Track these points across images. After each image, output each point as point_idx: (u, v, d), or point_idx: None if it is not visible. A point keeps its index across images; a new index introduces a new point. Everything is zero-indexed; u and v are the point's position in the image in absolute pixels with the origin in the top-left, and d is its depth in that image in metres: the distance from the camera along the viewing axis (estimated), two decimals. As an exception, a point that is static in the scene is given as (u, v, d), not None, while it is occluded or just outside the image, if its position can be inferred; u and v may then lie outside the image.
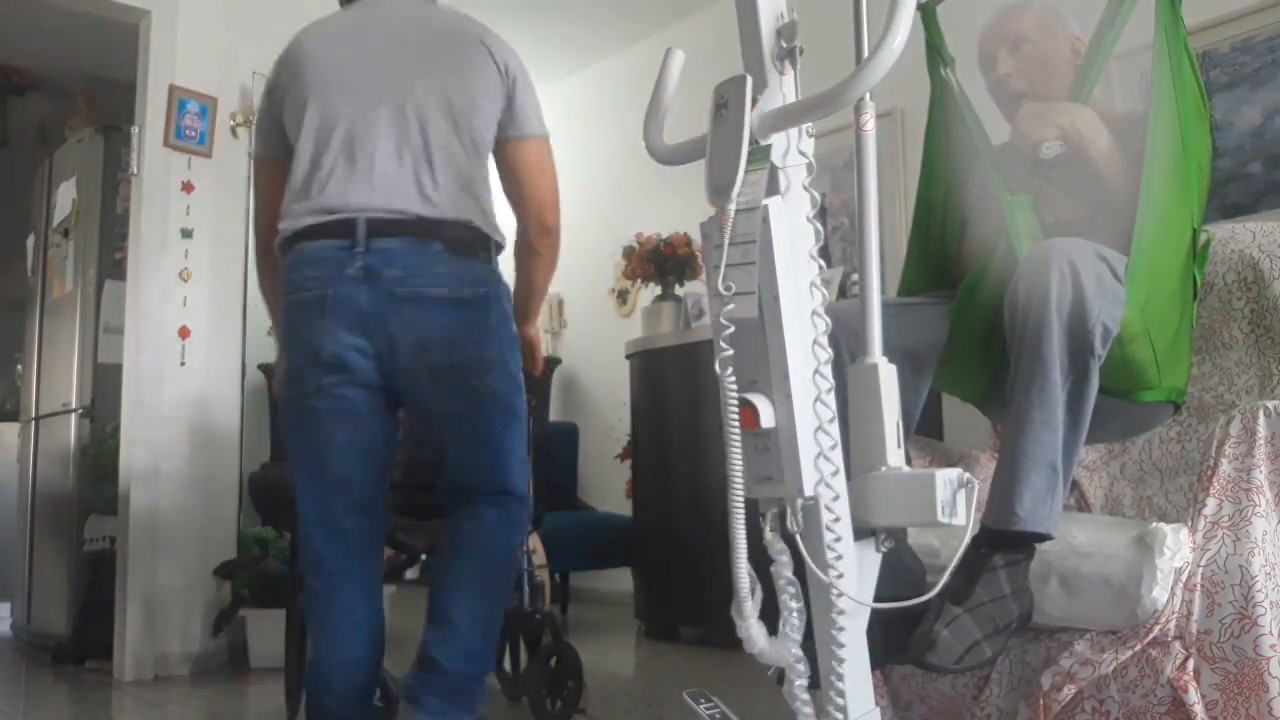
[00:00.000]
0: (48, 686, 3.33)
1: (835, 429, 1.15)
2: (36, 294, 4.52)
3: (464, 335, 1.79)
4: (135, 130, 3.44)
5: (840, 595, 1.16)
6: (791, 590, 1.18)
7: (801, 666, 1.17)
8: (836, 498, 1.15)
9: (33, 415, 4.40)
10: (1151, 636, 1.44)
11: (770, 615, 1.18)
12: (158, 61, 3.46)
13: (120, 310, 3.58)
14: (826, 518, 1.15)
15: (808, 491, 1.13)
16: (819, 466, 1.15)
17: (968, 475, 1.21)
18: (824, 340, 1.16)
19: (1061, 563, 1.51)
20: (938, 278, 1.89)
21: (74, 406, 3.99)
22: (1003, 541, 1.44)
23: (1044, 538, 1.46)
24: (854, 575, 1.20)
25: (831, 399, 1.16)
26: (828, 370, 1.16)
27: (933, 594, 1.26)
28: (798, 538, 1.16)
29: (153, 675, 3.25)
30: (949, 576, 1.26)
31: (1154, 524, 1.48)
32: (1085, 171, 1.73)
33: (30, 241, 4.68)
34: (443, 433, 1.87)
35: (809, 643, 1.18)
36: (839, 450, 1.16)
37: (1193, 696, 1.40)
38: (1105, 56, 1.82)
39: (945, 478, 1.19)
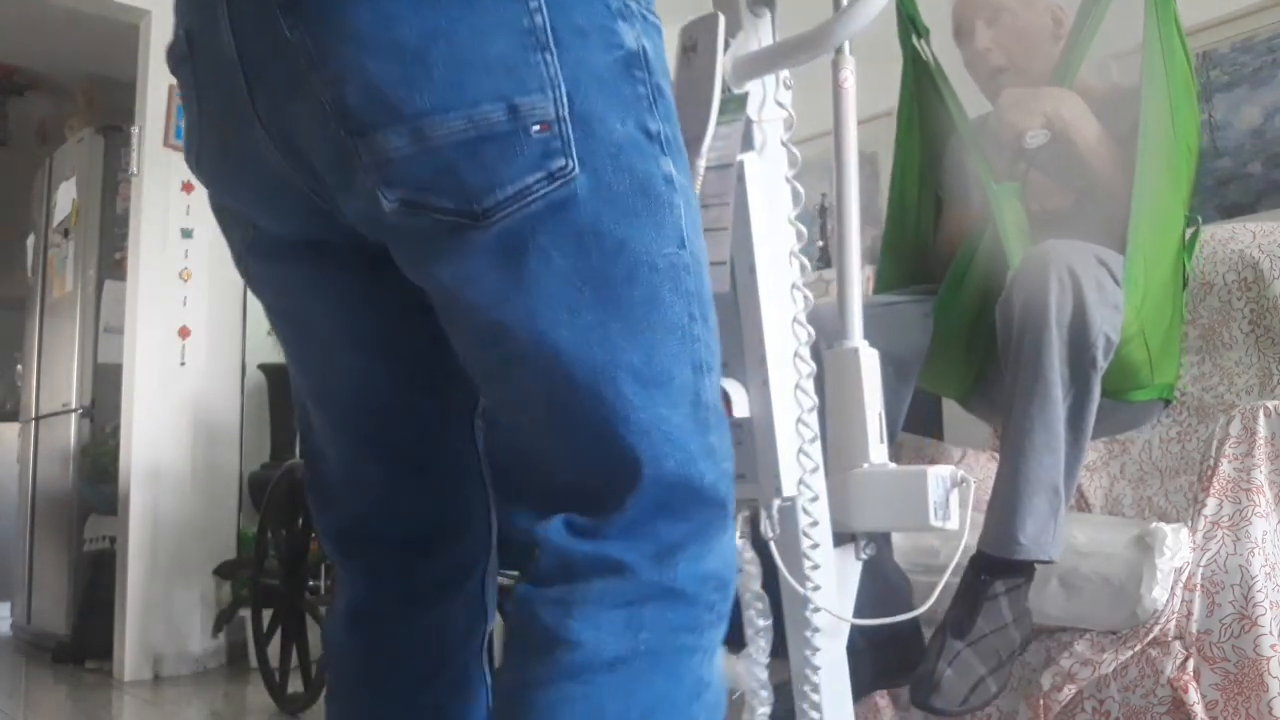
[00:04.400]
0: (48, 686, 3.33)
1: (815, 420, 1.02)
2: (36, 294, 4.52)
3: None
4: (135, 130, 3.44)
5: (818, 610, 1.03)
6: (759, 606, 1.05)
7: (765, 693, 1.05)
8: (815, 498, 1.02)
9: (33, 415, 4.40)
10: (1151, 636, 1.44)
11: (736, 631, 1.04)
12: (158, 61, 3.46)
13: (120, 310, 3.58)
14: (804, 521, 1.01)
15: (787, 491, 0.99)
16: (800, 462, 1.01)
17: (961, 473, 1.10)
18: (804, 318, 1.03)
19: (1061, 563, 1.51)
20: (914, 271, 1.77)
21: (74, 406, 3.99)
22: (1004, 569, 1.39)
23: (1046, 562, 1.41)
24: (833, 587, 1.06)
25: (812, 386, 1.03)
26: (807, 353, 1.02)
27: (921, 609, 1.15)
28: (771, 545, 1.01)
29: (153, 675, 3.25)
30: (950, 608, 1.20)
31: (1154, 524, 1.48)
32: (1071, 159, 1.63)
33: (30, 241, 4.68)
34: None
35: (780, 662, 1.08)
36: (819, 444, 1.03)
37: (1193, 696, 1.40)
38: (1091, 33, 1.69)
39: (938, 475, 1.07)
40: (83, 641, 3.55)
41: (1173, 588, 1.44)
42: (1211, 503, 1.49)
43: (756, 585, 1.05)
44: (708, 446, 0.74)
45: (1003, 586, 1.38)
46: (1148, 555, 1.44)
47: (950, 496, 1.07)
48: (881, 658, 1.29)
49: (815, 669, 1.04)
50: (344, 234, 0.76)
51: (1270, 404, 1.52)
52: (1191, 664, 1.42)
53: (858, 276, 1.15)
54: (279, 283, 0.84)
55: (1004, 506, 1.39)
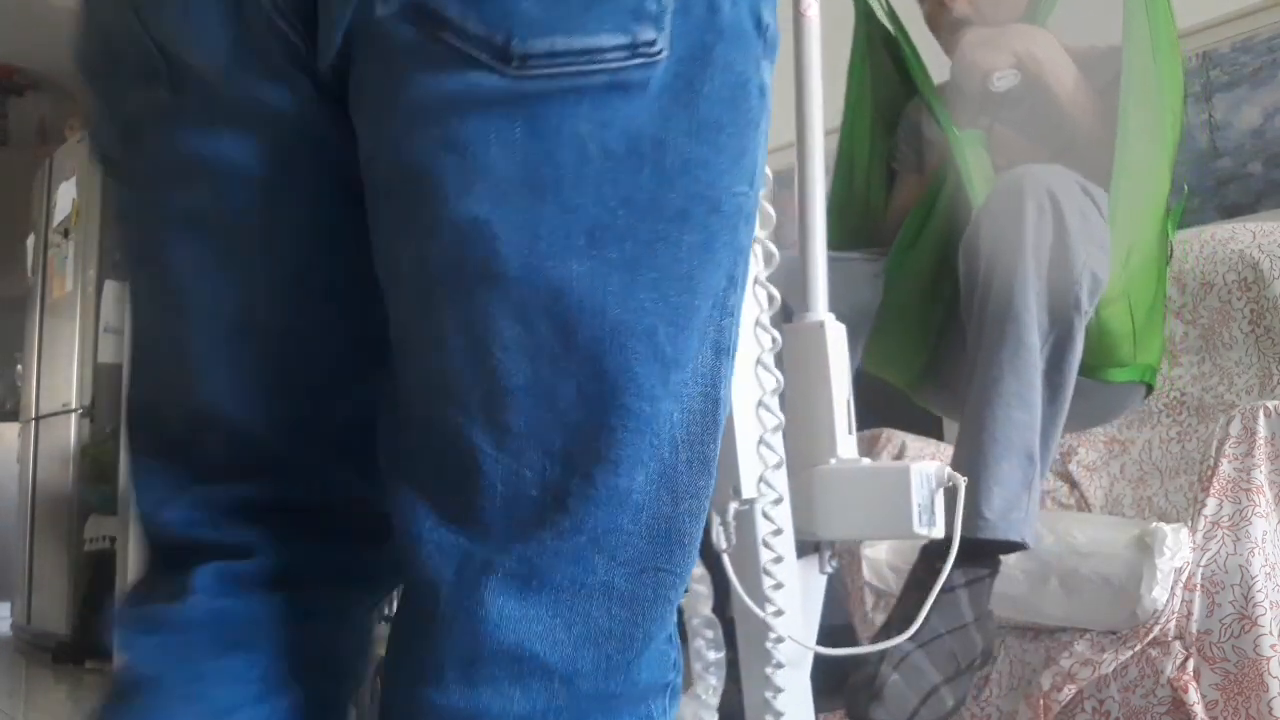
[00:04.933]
0: (48, 686, 3.33)
1: (778, 404, 0.85)
2: (36, 294, 4.52)
3: None
4: (135, 130, 3.44)
5: (781, 640, 0.85)
6: (708, 635, 0.88)
7: None
8: (779, 500, 0.84)
9: (33, 415, 4.40)
10: (1151, 636, 1.44)
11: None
12: (158, 61, 3.46)
13: (120, 310, 3.58)
14: (764, 529, 0.83)
15: (746, 492, 0.82)
16: (761, 456, 0.82)
17: (949, 470, 0.94)
18: (765, 279, 0.86)
19: (1061, 563, 1.51)
20: (863, 238, 1.56)
21: (74, 406, 4.00)
22: (964, 553, 1.08)
23: (1017, 547, 1.17)
24: (797, 609, 0.88)
25: (774, 362, 0.86)
26: (768, 320, 0.85)
27: (910, 631, 0.98)
28: (724, 558, 0.83)
29: (153, 675, 3.25)
30: (898, 602, 1.03)
31: (1154, 524, 1.48)
32: (1045, 107, 1.41)
33: (30, 241, 4.68)
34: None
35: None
36: (781, 435, 0.85)
37: (1193, 696, 1.40)
38: None
39: (922, 474, 0.90)
40: (83, 641, 3.55)
41: (1173, 588, 1.44)
42: (1211, 503, 1.49)
43: (707, 609, 0.88)
44: (704, 460, 0.56)
45: (962, 577, 1.13)
46: (1148, 555, 1.44)
47: (936, 498, 0.92)
48: (824, 676, 1.04)
49: (779, 714, 0.86)
50: (302, 97, 0.53)
51: (1270, 404, 1.52)
52: (1191, 664, 1.42)
53: (822, 235, 0.99)
54: (189, 162, 0.55)
55: (965, 473, 1.11)
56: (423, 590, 0.54)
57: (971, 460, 1.15)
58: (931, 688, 1.08)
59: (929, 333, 1.45)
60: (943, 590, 1.08)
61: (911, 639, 1.05)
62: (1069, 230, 1.17)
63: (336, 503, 0.62)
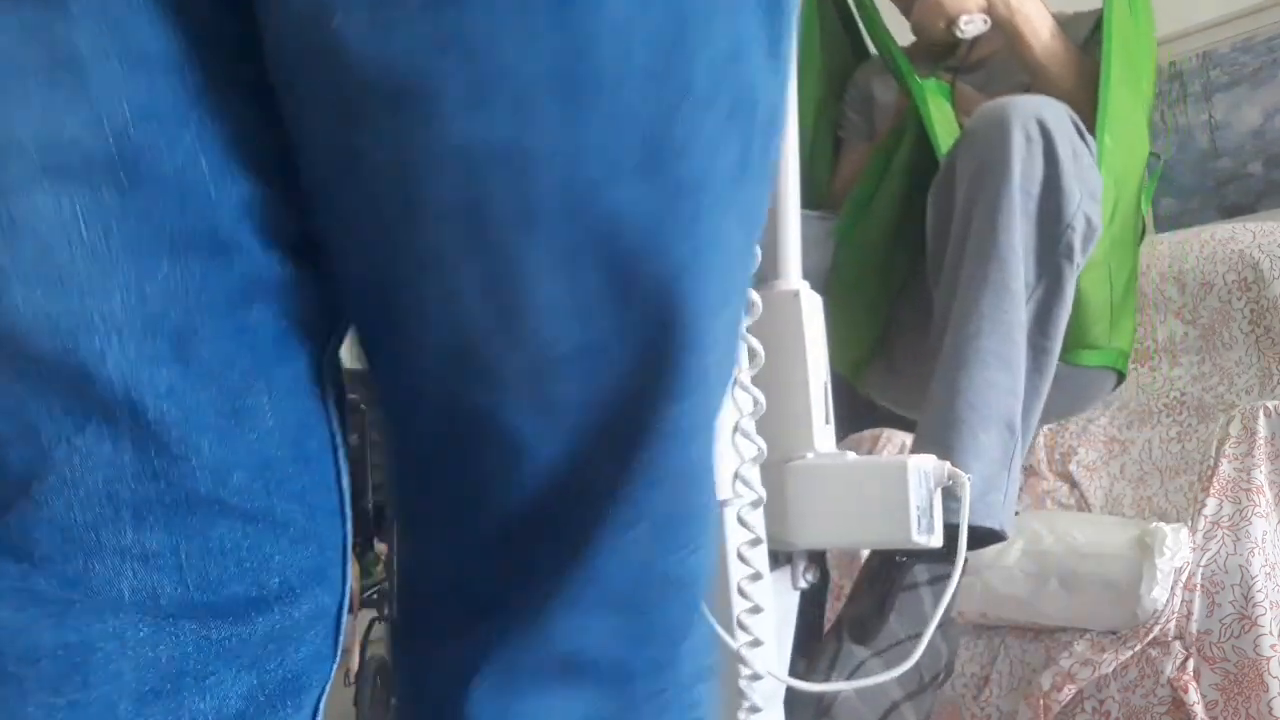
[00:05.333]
0: (48, 687, 3.33)
1: (751, 384, 0.71)
2: (37, 294, 4.54)
3: None
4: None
5: (758, 678, 0.70)
6: None
7: None
8: (757, 502, 0.69)
9: (33, 416, 4.42)
10: (1151, 636, 1.45)
11: None
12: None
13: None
14: (739, 539, 0.69)
15: (720, 492, 0.66)
16: (737, 447, 0.69)
17: (949, 466, 0.80)
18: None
19: (1061, 563, 1.51)
20: (808, 202, 1.40)
21: (74, 407, 4.00)
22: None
23: (995, 536, 0.97)
24: (772, 637, 0.73)
25: (745, 332, 0.71)
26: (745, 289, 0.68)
27: (907, 664, 0.82)
28: None
29: (153, 676, 3.25)
30: (850, 601, 0.90)
31: (1154, 524, 1.49)
32: (1014, 63, 1.27)
33: (30, 242, 4.70)
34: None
35: None
36: (754, 422, 0.71)
37: (1193, 696, 1.40)
38: None
39: (920, 470, 0.76)
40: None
41: (1173, 588, 1.44)
42: (1211, 503, 1.49)
43: None
44: (712, 410, 0.46)
45: (926, 574, 0.94)
46: (1148, 555, 1.44)
47: (935, 499, 0.79)
48: None
49: None
50: None
51: (1270, 404, 1.52)
52: (1191, 664, 1.42)
53: (795, 192, 0.86)
54: None
55: (934, 445, 0.94)
56: (454, 595, 0.45)
57: (943, 430, 0.96)
58: (891, 705, 0.90)
59: (881, 309, 1.29)
60: (902, 588, 0.93)
61: (868, 646, 0.90)
62: (1061, 165, 1.00)
63: (215, 511, 0.38)
